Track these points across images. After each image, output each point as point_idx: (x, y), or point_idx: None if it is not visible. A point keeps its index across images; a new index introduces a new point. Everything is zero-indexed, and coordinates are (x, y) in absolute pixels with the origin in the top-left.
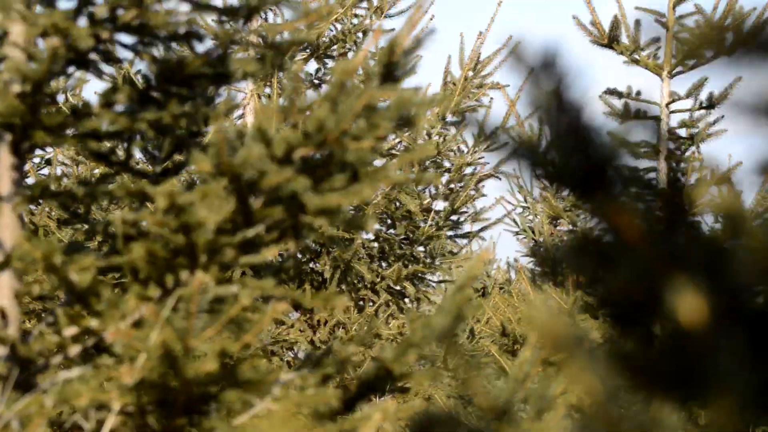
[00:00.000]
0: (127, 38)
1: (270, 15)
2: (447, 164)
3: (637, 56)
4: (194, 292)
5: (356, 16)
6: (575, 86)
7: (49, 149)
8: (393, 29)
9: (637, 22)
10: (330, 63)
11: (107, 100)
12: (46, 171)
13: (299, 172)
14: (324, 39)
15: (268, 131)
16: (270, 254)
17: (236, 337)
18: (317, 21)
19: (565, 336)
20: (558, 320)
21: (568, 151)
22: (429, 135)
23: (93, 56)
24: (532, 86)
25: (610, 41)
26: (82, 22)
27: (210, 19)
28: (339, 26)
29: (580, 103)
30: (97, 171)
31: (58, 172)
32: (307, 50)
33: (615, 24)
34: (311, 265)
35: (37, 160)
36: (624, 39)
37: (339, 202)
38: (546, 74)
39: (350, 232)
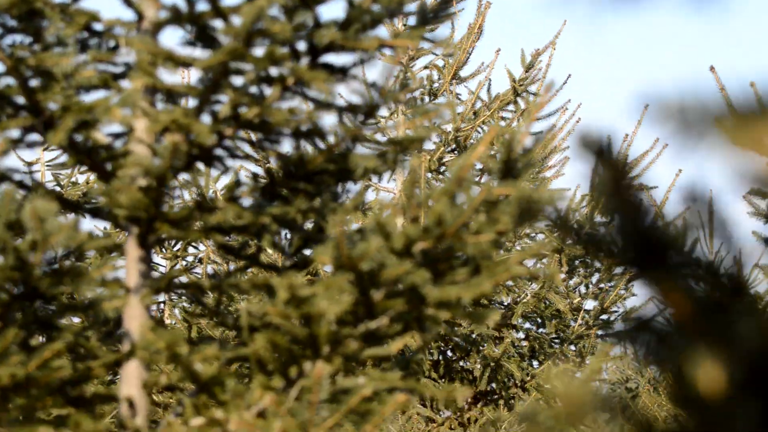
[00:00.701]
0: (251, 135)
1: (390, 123)
2: (597, 264)
3: None
4: (316, 382)
5: (503, 119)
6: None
7: (201, 246)
8: (540, 132)
9: None
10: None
11: (231, 194)
12: (198, 270)
13: (419, 265)
14: (471, 141)
15: (388, 225)
16: (395, 347)
17: (357, 427)
18: (436, 118)
19: None
20: None
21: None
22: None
23: (218, 152)
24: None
25: None
26: (206, 119)
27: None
28: (486, 128)
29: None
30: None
31: (210, 270)
32: (455, 152)
33: None
34: (461, 363)
35: (190, 258)
36: None
37: (459, 295)
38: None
39: (500, 330)
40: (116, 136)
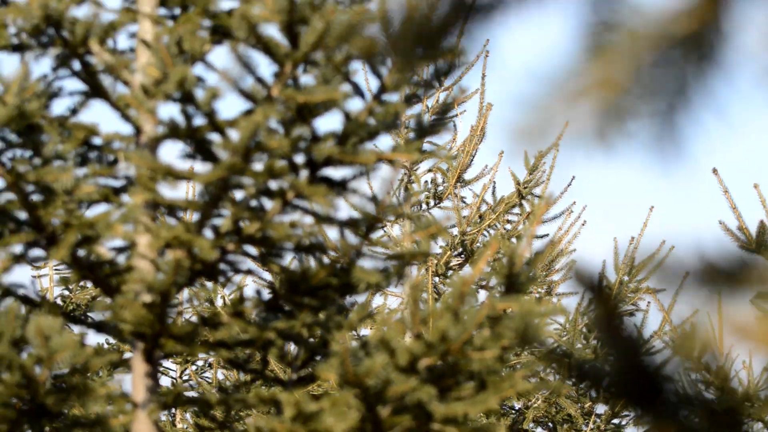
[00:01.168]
0: (253, 249)
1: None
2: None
3: None
4: None
5: (509, 222)
6: (620, 311)
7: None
8: (547, 235)
9: None
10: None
11: (236, 309)
12: (209, 374)
13: (425, 381)
14: (478, 245)
15: (391, 341)
16: None
17: None
18: (436, 234)
19: None
20: None
21: (624, 372)
22: (586, 339)
23: (221, 266)
24: (588, 306)
25: (758, 246)
26: (208, 233)
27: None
28: (492, 231)
29: (631, 327)
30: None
31: (220, 376)
32: (462, 255)
33: (762, 229)
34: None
35: (200, 363)
36: None
37: (466, 411)
38: (596, 298)
39: None
40: (119, 250)
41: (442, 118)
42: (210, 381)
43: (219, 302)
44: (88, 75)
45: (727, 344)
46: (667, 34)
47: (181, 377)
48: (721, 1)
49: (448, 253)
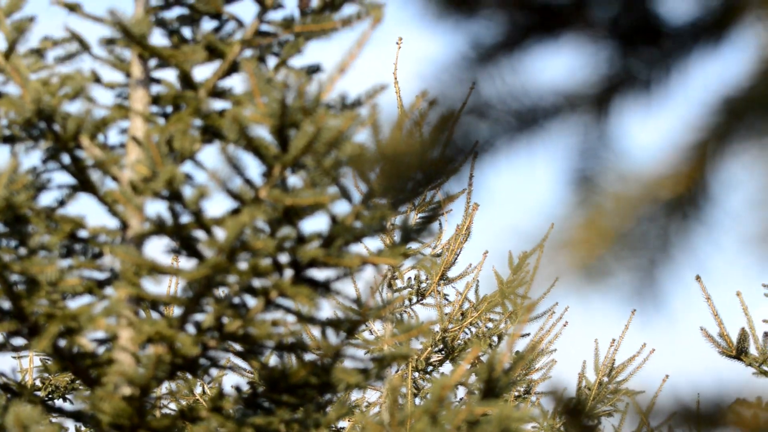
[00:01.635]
0: (235, 346)
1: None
2: None
3: (766, 367)
4: None
5: (491, 320)
6: None
7: None
8: (528, 334)
9: (766, 334)
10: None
11: (215, 404)
12: None
13: None
14: (459, 342)
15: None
16: None
17: None
18: (420, 335)
19: None
20: None
21: None
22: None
23: (202, 361)
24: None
25: (738, 353)
26: (190, 329)
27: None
28: (473, 329)
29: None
30: None
31: None
32: (442, 352)
33: (743, 336)
34: None
35: None
36: (753, 350)
37: (431, 414)
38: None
39: None
40: (100, 342)
41: (427, 219)
42: None
43: (198, 389)
44: (78, 169)
45: None
46: (653, 196)
47: None
48: (708, 165)
49: (429, 349)
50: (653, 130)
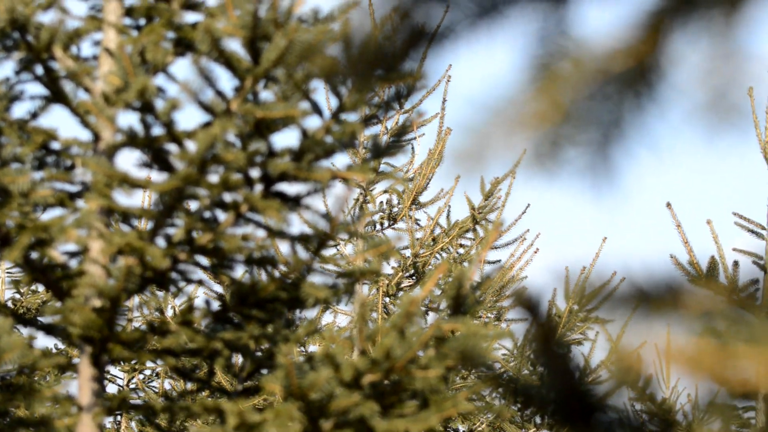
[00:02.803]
0: (205, 260)
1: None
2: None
3: (735, 297)
4: None
5: (462, 246)
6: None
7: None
8: (499, 260)
9: (735, 264)
10: (437, 291)
11: (184, 318)
12: (156, 384)
13: (368, 396)
14: (430, 267)
15: (337, 356)
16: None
17: None
18: (387, 254)
19: None
20: None
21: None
22: (533, 366)
23: (172, 275)
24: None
25: (708, 281)
26: (160, 242)
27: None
28: (444, 254)
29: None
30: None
31: (167, 386)
32: (413, 277)
33: (713, 264)
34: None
35: (148, 372)
36: (722, 279)
37: (407, 429)
38: (534, 320)
39: None
40: (71, 254)
41: (399, 140)
42: (157, 390)
43: (169, 312)
44: (50, 80)
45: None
46: (606, 69)
47: (128, 385)
48: (659, 40)
49: (400, 274)
50: (607, 12)
